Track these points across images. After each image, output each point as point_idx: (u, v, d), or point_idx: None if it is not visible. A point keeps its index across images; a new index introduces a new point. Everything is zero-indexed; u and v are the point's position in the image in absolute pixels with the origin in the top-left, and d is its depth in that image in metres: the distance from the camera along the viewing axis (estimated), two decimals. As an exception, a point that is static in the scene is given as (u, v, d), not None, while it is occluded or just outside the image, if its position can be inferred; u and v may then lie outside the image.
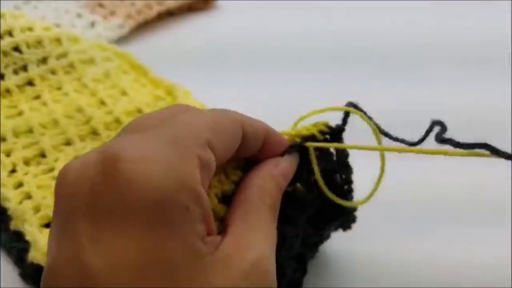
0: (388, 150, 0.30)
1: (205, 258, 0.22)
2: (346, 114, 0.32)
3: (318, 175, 0.31)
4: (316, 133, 0.31)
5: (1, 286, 0.37)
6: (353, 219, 0.35)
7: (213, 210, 0.26)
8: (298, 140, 0.31)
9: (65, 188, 0.23)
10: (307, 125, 0.32)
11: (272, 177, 0.28)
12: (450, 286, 0.35)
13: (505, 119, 0.48)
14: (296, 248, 0.32)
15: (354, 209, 0.34)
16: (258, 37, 0.61)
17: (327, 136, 0.32)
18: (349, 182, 0.33)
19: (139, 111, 0.46)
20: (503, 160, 0.43)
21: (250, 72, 0.56)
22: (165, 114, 0.26)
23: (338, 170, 0.33)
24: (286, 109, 0.38)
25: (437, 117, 0.48)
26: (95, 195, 0.22)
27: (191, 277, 0.22)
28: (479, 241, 0.38)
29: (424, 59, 0.57)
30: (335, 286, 0.36)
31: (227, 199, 0.27)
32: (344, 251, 0.37)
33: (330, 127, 0.32)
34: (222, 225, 0.26)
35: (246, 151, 0.28)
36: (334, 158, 0.33)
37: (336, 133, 0.32)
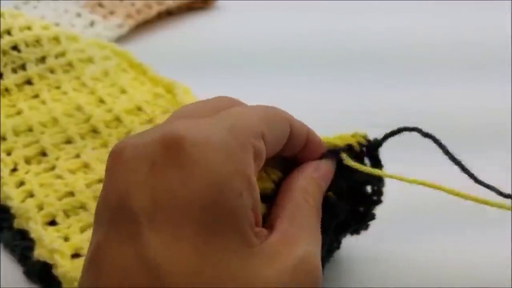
0: (424, 184, 0.30)
1: (253, 248, 0.23)
2: (396, 132, 0.32)
3: (358, 167, 0.31)
4: (355, 144, 0.31)
5: (2, 287, 0.37)
6: (366, 227, 0.35)
7: None
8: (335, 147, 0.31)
9: (122, 164, 0.23)
10: (346, 134, 0.32)
11: (314, 180, 0.28)
12: (453, 286, 0.35)
13: (505, 120, 0.48)
14: (323, 254, 0.32)
15: (372, 218, 0.35)
16: (258, 37, 0.61)
17: (364, 148, 0.32)
18: (380, 193, 0.34)
19: (139, 108, 0.46)
20: (502, 161, 0.44)
21: (249, 72, 0.56)
22: (215, 104, 0.27)
23: (371, 181, 0.33)
24: (285, 109, 0.38)
25: (436, 119, 0.48)
26: (157, 174, 0.22)
27: (241, 264, 0.22)
28: (480, 242, 0.38)
29: (426, 61, 0.57)
30: (345, 286, 0.36)
31: (266, 197, 0.27)
32: (354, 252, 0.37)
33: (368, 140, 0.32)
34: (264, 223, 0.26)
35: (289, 149, 0.28)
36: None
37: (373, 146, 0.32)
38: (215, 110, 0.26)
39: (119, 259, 0.22)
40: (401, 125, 0.32)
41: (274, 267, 0.23)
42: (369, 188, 0.34)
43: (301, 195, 0.27)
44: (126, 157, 0.23)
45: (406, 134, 0.32)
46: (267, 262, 0.23)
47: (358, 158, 0.32)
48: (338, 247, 0.35)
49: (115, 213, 0.23)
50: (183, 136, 0.23)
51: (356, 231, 0.35)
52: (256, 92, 0.52)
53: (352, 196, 0.32)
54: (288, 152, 0.28)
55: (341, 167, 0.31)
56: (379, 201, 0.34)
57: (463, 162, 0.30)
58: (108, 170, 0.24)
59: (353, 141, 0.32)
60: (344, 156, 0.31)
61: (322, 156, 0.30)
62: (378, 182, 0.33)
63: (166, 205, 0.22)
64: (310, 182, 0.28)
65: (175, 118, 0.26)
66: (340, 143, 0.31)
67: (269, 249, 0.23)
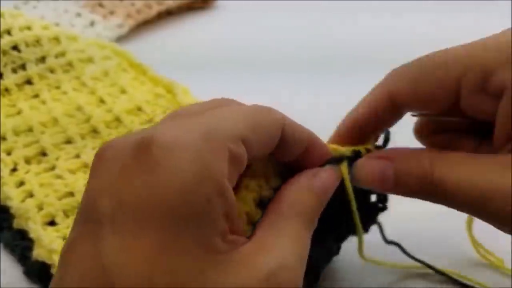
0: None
1: (219, 256, 0.22)
2: (386, 138, 0.32)
3: (351, 196, 0.30)
4: (362, 150, 0.31)
5: (2, 287, 0.37)
6: (366, 230, 0.35)
7: (248, 213, 0.26)
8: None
9: (101, 164, 0.23)
10: (358, 146, 0.31)
11: (308, 188, 0.27)
12: (452, 286, 0.35)
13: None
14: (323, 259, 0.32)
15: (374, 222, 0.34)
16: (257, 36, 0.61)
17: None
18: (385, 200, 0.33)
19: (139, 109, 0.46)
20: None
21: (249, 72, 0.56)
22: (209, 106, 0.26)
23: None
24: (284, 109, 0.38)
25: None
26: (125, 176, 0.22)
27: (200, 272, 0.21)
28: (483, 242, 0.38)
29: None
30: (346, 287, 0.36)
31: (265, 205, 0.27)
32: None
33: (376, 146, 0.32)
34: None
35: (286, 154, 0.27)
36: None
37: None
38: (205, 111, 0.25)
39: (81, 259, 0.22)
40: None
41: (240, 276, 0.22)
42: (374, 197, 0.33)
43: (289, 203, 0.26)
44: (106, 157, 0.23)
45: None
46: (233, 271, 0.22)
47: None
48: (337, 252, 0.35)
49: (86, 213, 0.23)
50: (152, 139, 0.23)
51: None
52: (256, 92, 0.52)
53: (356, 204, 0.31)
54: (285, 156, 0.27)
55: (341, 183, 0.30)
56: (384, 208, 0.34)
57: None
58: (91, 168, 0.24)
59: (361, 148, 0.31)
60: (343, 165, 0.30)
61: (326, 163, 0.29)
62: None
63: (129, 209, 0.22)
64: (303, 190, 0.27)
65: (163, 120, 0.26)
66: (348, 152, 0.30)
67: (237, 257, 0.22)
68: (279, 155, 0.27)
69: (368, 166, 0.29)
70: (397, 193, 0.30)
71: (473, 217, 0.36)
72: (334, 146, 0.31)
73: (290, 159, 0.28)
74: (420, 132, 0.32)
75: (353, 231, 0.33)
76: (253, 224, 0.26)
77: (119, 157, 0.23)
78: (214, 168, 0.22)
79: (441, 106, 0.30)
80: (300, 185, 0.27)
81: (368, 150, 0.31)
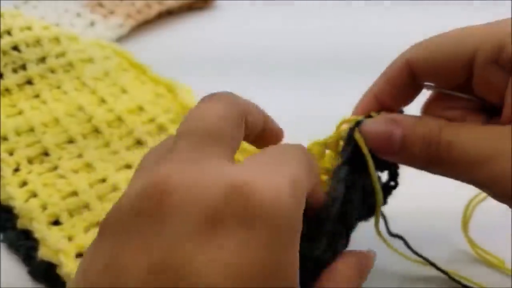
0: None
1: None
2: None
3: (369, 156, 0.31)
4: (374, 115, 0.31)
5: (2, 287, 0.37)
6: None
7: None
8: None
9: (171, 207, 0.23)
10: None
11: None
12: (452, 285, 0.36)
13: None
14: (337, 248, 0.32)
15: (385, 203, 0.34)
16: (257, 36, 0.61)
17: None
18: (396, 176, 0.33)
19: (140, 108, 0.46)
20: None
21: (248, 72, 0.56)
22: (226, 121, 0.27)
23: (386, 164, 0.33)
24: (284, 109, 0.38)
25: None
26: (218, 230, 0.22)
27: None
28: (481, 243, 0.38)
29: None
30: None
31: None
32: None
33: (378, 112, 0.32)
34: None
35: None
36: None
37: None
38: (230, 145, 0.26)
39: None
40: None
41: None
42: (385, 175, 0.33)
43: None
44: (175, 202, 0.23)
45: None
46: None
47: None
48: (346, 245, 0.35)
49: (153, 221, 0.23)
50: (250, 189, 0.23)
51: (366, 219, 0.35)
52: (255, 92, 0.52)
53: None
54: None
55: (357, 160, 0.30)
56: (396, 185, 0.34)
57: None
58: (146, 213, 0.23)
59: (373, 114, 0.31)
60: (357, 134, 0.30)
61: (347, 142, 0.30)
62: (393, 164, 0.33)
63: (225, 231, 0.22)
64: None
65: (185, 145, 0.25)
66: (361, 117, 0.31)
67: None
68: None
69: (376, 127, 0.30)
70: (402, 159, 0.30)
71: (469, 217, 0.36)
72: (350, 119, 0.31)
73: None
74: (428, 108, 0.33)
75: (365, 215, 0.33)
76: None
77: (203, 204, 0.23)
78: (301, 200, 0.24)
79: (455, 78, 0.30)
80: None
81: (368, 116, 0.32)
